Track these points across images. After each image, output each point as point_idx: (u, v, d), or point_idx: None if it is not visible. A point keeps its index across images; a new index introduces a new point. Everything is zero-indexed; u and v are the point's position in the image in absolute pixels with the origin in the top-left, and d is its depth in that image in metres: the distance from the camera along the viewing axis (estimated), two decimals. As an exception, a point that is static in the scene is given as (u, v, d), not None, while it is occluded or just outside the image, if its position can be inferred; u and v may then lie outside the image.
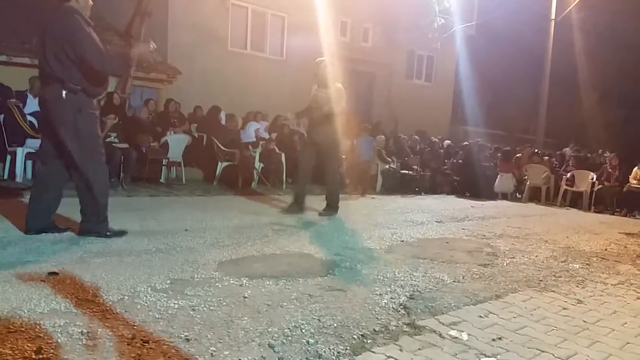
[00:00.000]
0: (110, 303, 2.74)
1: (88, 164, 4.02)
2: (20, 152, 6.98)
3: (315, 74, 6.18)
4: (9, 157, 7.03)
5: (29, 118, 7.26)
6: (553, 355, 2.60)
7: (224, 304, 2.87)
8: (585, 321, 3.15)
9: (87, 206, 4.16)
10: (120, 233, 4.30)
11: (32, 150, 7.08)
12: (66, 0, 3.93)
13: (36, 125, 7.29)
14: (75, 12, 3.91)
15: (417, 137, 13.37)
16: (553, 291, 3.75)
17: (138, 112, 8.81)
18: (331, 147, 6.19)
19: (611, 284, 4.12)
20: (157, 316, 2.62)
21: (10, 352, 2.12)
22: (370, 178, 10.46)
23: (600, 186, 10.53)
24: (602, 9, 18.74)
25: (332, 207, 6.37)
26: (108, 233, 4.20)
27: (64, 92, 3.84)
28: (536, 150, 13.31)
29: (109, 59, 3.94)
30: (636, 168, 10.40)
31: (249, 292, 3.10)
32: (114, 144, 7.56)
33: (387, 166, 10.63)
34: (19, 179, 6.93)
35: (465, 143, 12.00)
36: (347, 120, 6.27)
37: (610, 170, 10.65)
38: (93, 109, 4.10)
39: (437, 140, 13.11)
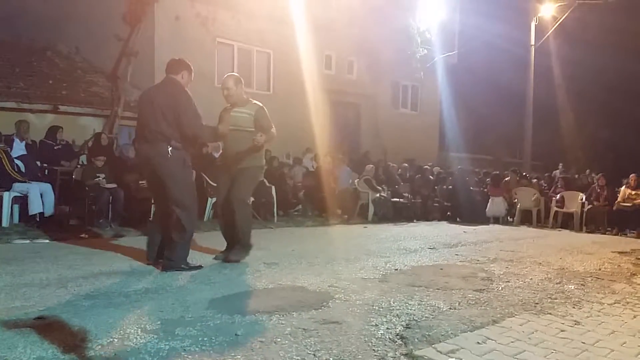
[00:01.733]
0: (100, 347, 2.67)
1: (186, 208, 4.54)
2: (7, 196, 6.90)
3: (227, 95, 5.24)
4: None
5: (16, 162, 7.22)
6: (554, 379, 2.55)
7: (216, 342, 2.80)
8: (583, 342, 3.10)
9: (176, 243, 4.55)
10: (198, 267, 4.72)
11: (19, 195, 7.02)
12: (174, 73, 4.71)
13: (23, 169, 7.26)
14: (178, 82, 4.69)
15: (406, 165, 13.47)
16: (550, 313, 3.71)
17: (125, 151, 8.79)
18: (249, 174, 5.15)
19: (607, 304, 4.09)
20: (147, 358, 2.55)
21: (-7, 404, 2.04)
22: (355, 206, 10.53)
23: (590, 206, 10.60)
24: (579, 35, 19.34)
25: (243, 246, 5.17)
26: (189, 267, 4.63)
27: (169, 149, 4.44)
28: (524, 174, 13.41)
29: (202, 127, 4.73)
30: (624, 187, 10.50)
31: (241, 329, 3.03)
32: (101, 185, 7.52)
33: (378, 195, 10.65)
34: (5, 223, 6.83)
35: (458, 167, 12.06)
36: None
37: (598, 190, 10.74)
38: (190, 164, 4.71)
39: (427, 167, 13.20)
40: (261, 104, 5.30)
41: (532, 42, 17.76)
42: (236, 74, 5.54)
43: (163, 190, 4.54)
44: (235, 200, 5.03)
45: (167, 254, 4.59)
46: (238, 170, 5.09)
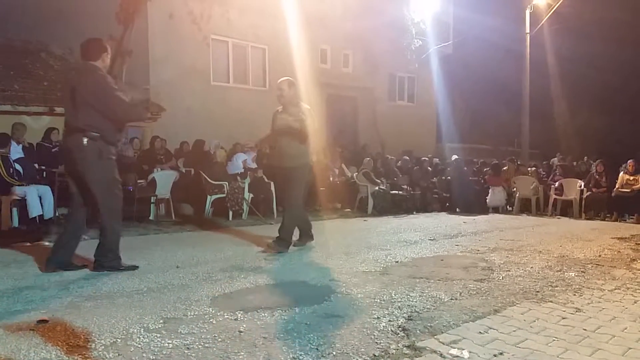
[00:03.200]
0: (103, 347, 2.68)
1: (105, 205, 4.34)
2: (5, 200, 6.89)
3: (279, 96, 5.55)
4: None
5: (16, 165, 7.20)
6: (556, 366, 2.57)
7: (219, 340, 2.81)
8: (585, 329, 3.12)
9: (101, 244, 4.43)
10: (132, 267, 4.51)
11: (18, 198, 7.01)
12: (93, 59, 4.42)
13: (22, 172, 7.25)
14: (98, 68, 4.39)
15: (406, 157, 13.47)
16: (551, 301, 3.72)
17: (123, 151, 8.77)
18: (299, 173, 5.50)
19: (608, 290, 4.11)
20: (151, 357, 2.56)
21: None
22: (354, 199, 10.62)
23: (588, 193, 10.61)
24: (573, 23, 19.36)
25: (283, 240, 5.55)
26: (121, 268, 4.43)
27: (84, 140, 4.21)
28: (519, 163, 13.41)
29: (130, 109, 4.42)
30: (622, 173, 10.51)
31: (244, 326, 3.05)
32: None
33: (377, 188, 10.65)
34: (4, 226, 6.82)
35: (454, 157, 12.06)
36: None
37: (597, 176, 10.75)
38: (111, 154, 4.41)
39: (425, 159, 13.20)
40: (309, 107, 5.67)
41: (528, 30, 17.71)
42: (291, 79, 5.72)
43: (81, 185, 4.36)
44: (285, 203, 5.77)
45: (96, 255, 4.44)
46: (289, 170, 5.52)
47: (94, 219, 4.62)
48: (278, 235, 5.56)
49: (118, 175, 4.52)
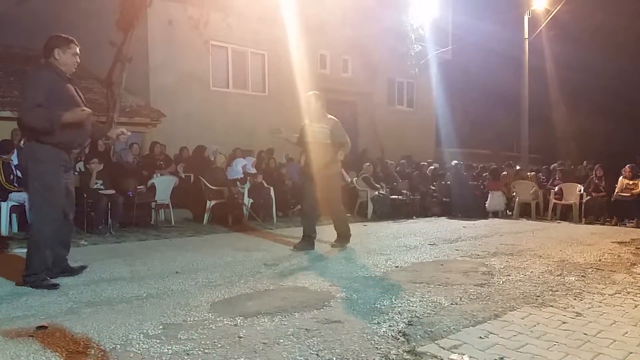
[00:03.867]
0: (102, 353, 2.67)
1: (35, 215, 4.06)
2: (5, 206, 6.89)
3: (307, 108, 6.06)
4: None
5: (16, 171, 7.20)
6: (557, 371, 2.56)
7: (219, 345, 2.81)
8: (586, 334, 3.11)
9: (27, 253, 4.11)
10: (53, 286, 4.03)
11: (16, 204, 7.01)
12: (47, 57, 4.10)
13: (22, 178, 7.25)
14: (49, 66, 4.08)
15: (403, 161, 13.49)
16: (551, 306, 3.72)
17: (123, 156, 8.78)
18: (334, 180, 6.21)
19: (608, 294, 4.10)
20: (150, 363, 2.55)
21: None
22: (354, 204, 10.62)
23: (588, 197, 10.62)
24: (571, 29, 19.46)
25: (344, 237, 6.36)
26: (41, 286, 3.99)
27: (21, 142, 3.97)
28: (518, 168, 13.43)
29: (32, 113, 3.90)
30: (621, 177, 10.52)
31: (244, 331, 3.04)
32: (100, 191, 7.51)
33: (377, 192, 10.65)
34: (4, 232, 6.82)
35: (453, 162, 12.07)
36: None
37: (596, 181, 10.76)
38: (51, 159, 4.03)
39: (424, 163, 13.21)
40: (336, 119, 6.13)
41: (526, 36, 17.77)
42: (318, 93, 6.18)
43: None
44: (332, 208, 6.29)
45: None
46: (322, 177, 5.99)
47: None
48: (337, 234, 6.37)
49: (61, 185, 4.16)
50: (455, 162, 12.04)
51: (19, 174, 7.19)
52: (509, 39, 18.36)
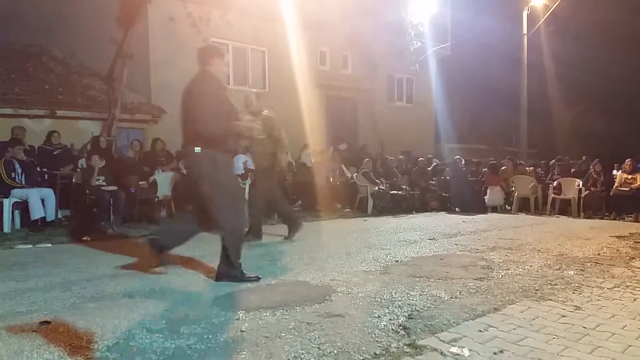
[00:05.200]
0: (106, 348, 2.70)
1: (222, 212, 4.12)
2: (7, 203, 6.92)
3: (247, 105, 6.20)
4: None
5: (16, 166, 7.23)
6: (555, 364, 2.59)
7: (222, 339, 2.84)
8: (585, 327, 3.14)
9: (222, 251, 4.21)
10: (256, 279, 4.22)
11: (19, 200, 7.04)
12: (205, 64, 4.27)
13: (21, 173, 7.28)
14: (212, 75, 4.25)
15: (401, 157, 13.52)
16: (550, 299, 3.75)
17: (125, 153, 8.81)
18: (267, 174, 6.37)
19: (607, 288, 4.13)
20: (154, 358, 2.58)
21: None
22: (354, 199, 10.65)
23: (587, 192, 10.64)
24: (570, 24, 19.43)
25: (294, 226, 6.52)
26: (241, 278, 4.17)
27: (196, 149, 4.06)
28: (521, 162, 13.46)
29: (214, 121, 4.02)
30: (620, 172, 10.55)
31: (246, 325, 3.07)
32: (102, 187, 7.54)
33: (377, 188, 10.68)
34: (6, 229, 6.85)
35: (455, 157, 12.10)
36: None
37: (595, 175, 10.79)
38: (226, 164, 4.33)
39: (422, 159, 13.23)
40: (270, 115, 6.29)
41: (525, 32, 17.77)
42: (258, 92, 6.61)
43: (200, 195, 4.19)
44: (272, 200, 6.53)
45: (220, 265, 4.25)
46: (262, 170, 6.38)
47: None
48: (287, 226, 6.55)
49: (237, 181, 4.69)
50: (456, 157, 12.07)
51: (21, 171, 7.24)
52: (507, 35, 18.39)
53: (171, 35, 11.54)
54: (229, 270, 4.17)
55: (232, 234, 4.17)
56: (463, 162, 12.10)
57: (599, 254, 5.70)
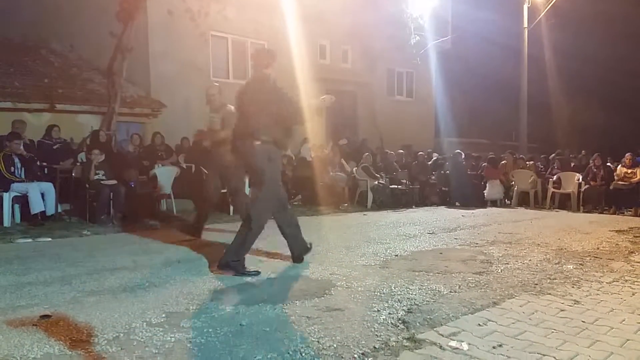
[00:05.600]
0: (106, 342, 2.71)
1: (259, 203, 4.46)
2: (7, 197, 6.92)
3: (209, 100, 6.16)
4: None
5: (15, 160, 7.22)
6: (554, 358, 2.60)
7: (221, 333, 2.85)
8: (583, 321, 3.16)
9: (236, 240, 4.37)
10: (256, 273, 4.29)
11: (19, 194, 7.03)
12: (265, 68, 4.56)
13: (20, 167, 7.27)
14: (269, 78, 4.55)
15: (401, 151, 13.51)
16: (549, 294, 3.76)
17: (124, 147, 8.80)
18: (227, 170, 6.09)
19: (606, 282, 4.14)
20: (154, 351, 2.59)
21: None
22: (354, 194, 10.67)
23: (586, 186, 10.65)
24: (571, 18, 19.34)
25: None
26: (242, 271, 4.25)
27: (256, 144, 4.39)
28: (521, 156, 13.46)
29: (277, 120, 4.45)
30: (620, 166, 10.55)
31: (246, 319, 3.08)
32: (102, 181, 7.53)
33: (377, 182, 10.68)
34: (6, 223, 6.85)
35: (455, 151, 12.09)
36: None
37: (595, 170, 10.79)
38: (278, 158, 4.61)
39: (422, 153, 13.23)
40: (232, 109, 5.66)
41: (525, 25, 17.71)
42: (219, 85, 6.27)
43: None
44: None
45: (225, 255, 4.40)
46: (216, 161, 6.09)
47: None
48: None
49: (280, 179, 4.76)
50: (457, 151, 12.06)
51: (20, 165, 7.23)
52: (508, 28, 18.30)
53: (171, 29, 11.50)
54: (233, 262, 4.24)
55: (257, 227, 4.36)
56: (463, 156, 12.10)
57: (598, 248, 5.71)
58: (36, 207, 7.01)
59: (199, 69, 12.17)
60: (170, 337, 2.78)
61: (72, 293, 3.66)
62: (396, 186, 11.06)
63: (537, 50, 19.26)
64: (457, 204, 11.07)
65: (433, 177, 12.03)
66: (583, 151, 12.96)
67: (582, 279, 4.25)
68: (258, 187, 4.57)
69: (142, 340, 2.74)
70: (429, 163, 12.81)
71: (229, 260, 4.27)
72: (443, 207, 10.86)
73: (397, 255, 5.13)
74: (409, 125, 16.68)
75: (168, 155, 9.81)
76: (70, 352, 2.57)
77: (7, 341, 2.70)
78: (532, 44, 18.31)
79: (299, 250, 4.72)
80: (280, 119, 4.46)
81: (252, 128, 4.43)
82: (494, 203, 11.28)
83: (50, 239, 6.16)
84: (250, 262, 4.73)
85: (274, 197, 4.51)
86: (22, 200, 7.12)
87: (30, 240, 6.07)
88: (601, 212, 10.14)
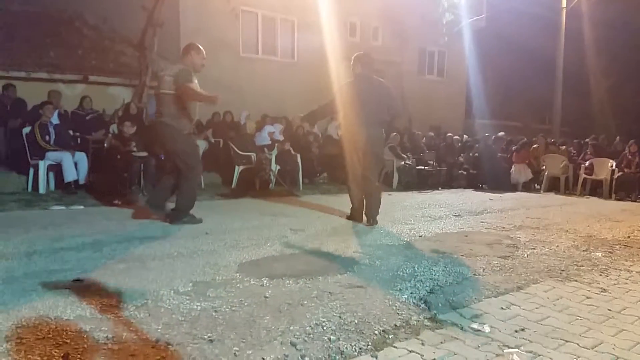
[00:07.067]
0: (134, 307, 2.80)
1: (373, 174, 5.74)
2: (42, 165, 7.14)
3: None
4: (32, 170, 7.19)
5: (51, 130, 7.42)
6: (578, 344, 2.58)
7: (246, 304, 2.91)
8: (610, 310, 3.11)
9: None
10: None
11: (53, 163, 7.25)
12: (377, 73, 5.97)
13: (54, 137, 7.48)
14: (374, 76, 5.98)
15: (431, 133, 13.34)
16: (576, 280, 3.71)
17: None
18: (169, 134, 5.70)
19: (636, 272, 4.05)
20: (180, 319, 2.67)
21: (38, 358, 2.18)
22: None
23: (620, 173, 10.36)
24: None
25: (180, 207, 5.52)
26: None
27: (382, 131, 5.78)
28: (552, 140, 13.14)
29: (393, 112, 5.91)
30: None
31: (269, 291, 3.14)
32: (133, 153, 7.68)
33: (403, 162, 10.61)
34: (42, 190, 7.08)
35: (486, 134, 11.89)
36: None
37: (629, 157, 10.47)
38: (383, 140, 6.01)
39: (449, 134, 13.04)
40: (186, 67, 5.71)
41: (564, 5, 17.08)
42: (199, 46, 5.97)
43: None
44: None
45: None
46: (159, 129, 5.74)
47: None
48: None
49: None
50: (487, 133, 11.85)
51: (54, 134, 7.43)
52: (547, 3, 17.58)
53: (201, 4, 11.51)
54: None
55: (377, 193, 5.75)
56: (493, 138, 11.88)
57: (629, 237, 5.57)
58: (69, 175, 7.22)
59: (228, 45, 12.19)
60: (197, 305, 2.86)
61: (103, 260, 3.77)
62: (423, 167, 10.97)
63: (578, 27, 18.42)
64: (484, 187, 10.93)
65: (461, 159, 11.87)
66: (618, 137, 12.53)
67: (610, 267, 4.17)
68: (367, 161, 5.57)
69: (169, 307, 2.82)
70: (459, 144, 12.63)
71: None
72: (470, 190, 10.73)
73: (421, 236, 5.11)
74: (439, 106, 16.43)
75: (199, 130, 9.91)
76: (100, 316, 2.66)
77: (43, 302, 2.82)
78: (573, 20, 17.58)
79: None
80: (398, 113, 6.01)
81: (376, 117, 5.60)
82: (524, 187, 11.09)
83: (82, 207, 6.34)
84: (274, 236, 4.80)
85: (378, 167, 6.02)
86: (56, 169, 7.33)
87: (63, 207, 6.27)
88: (634, 201, 9.87)
